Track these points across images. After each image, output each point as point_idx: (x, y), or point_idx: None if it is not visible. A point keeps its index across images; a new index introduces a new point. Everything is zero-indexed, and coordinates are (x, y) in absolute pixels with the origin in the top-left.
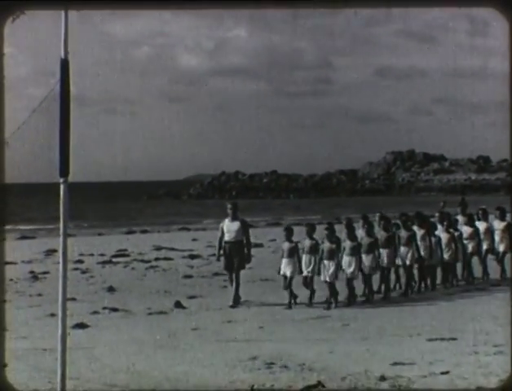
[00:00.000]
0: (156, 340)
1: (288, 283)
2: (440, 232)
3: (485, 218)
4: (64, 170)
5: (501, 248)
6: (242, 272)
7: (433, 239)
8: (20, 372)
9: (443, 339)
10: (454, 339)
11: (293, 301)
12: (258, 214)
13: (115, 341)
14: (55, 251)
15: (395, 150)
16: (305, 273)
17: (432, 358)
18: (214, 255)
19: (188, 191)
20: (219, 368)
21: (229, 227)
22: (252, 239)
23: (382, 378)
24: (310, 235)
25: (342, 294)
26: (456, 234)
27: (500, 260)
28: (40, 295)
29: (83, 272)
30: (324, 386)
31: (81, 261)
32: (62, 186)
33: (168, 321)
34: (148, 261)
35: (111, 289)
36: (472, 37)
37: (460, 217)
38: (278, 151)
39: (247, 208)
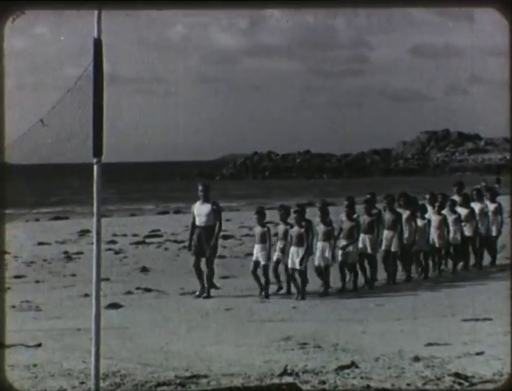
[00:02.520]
0: (190, 320)
1: (264, 271)
2: (431, 214)
3: (480, 199)
4: (98, 150)
5: (493, 231)
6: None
7: (420, 222)
8: (55, 352)
9: (477, 319)
10: (489, 319)
11: (262, 291)
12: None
13: (148, 321)
14: (88, 231)
15: (430, 129)
16: (275, 259)
17: (467, 339)
18: (247, 235)
19: (221, 172)
20: (253, 348)
21: (200, 211)
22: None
23: (416, 358)
24: (284, 219)
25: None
26: (453, 216)
27: (491, 243)
28: (74, 275)
29: (116, 253)
30: (357, 367)
31: (114, 242)
32: (95, 167)
33: (201, 301)
34: (181, 242)
35: (144, 270)
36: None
37: (456, 198)
38: (312, 131)
39: (281, 187)
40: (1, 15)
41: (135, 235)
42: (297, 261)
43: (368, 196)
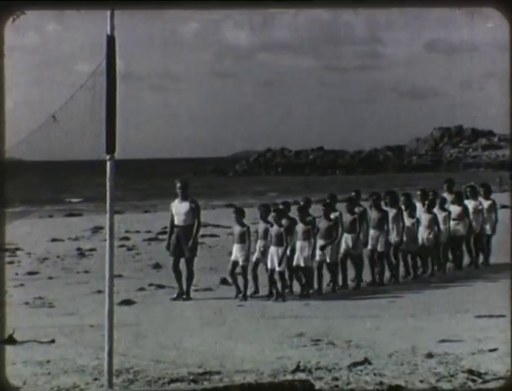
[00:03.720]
0: (202, 317)
1: (242, 271)
2: (420, 213)
3: (474, 197)
4: (111, 147)
5: (487, 229)
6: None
7: (407, 221)
8: (68, 348)
9: (491, 316)
10: (503, 316)
11: (240, 293)
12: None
13: (161, 318)
14: (101, 228)
15: (443, 125)
16: (254, 259)
17: (481, 335)
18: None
19: (234, 168)
20: (266, 345)
21: (178, 209)
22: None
23: (429, 355)
24: (264, 217)
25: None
26: (443, 214)
27: (485, 243)
28: (87, 272)
29: (129, 249)
30: (370, 363)
31: (127, 238)
32: (108, 163)
33: (214, 298)
34: None
35: (157, 266)
36: None
37: (447, 195)
38: (325, 127)
39: (294, 184)
40: (1, 15)
41: (148, 232)
42: (276, 261)
43: (353, 194)
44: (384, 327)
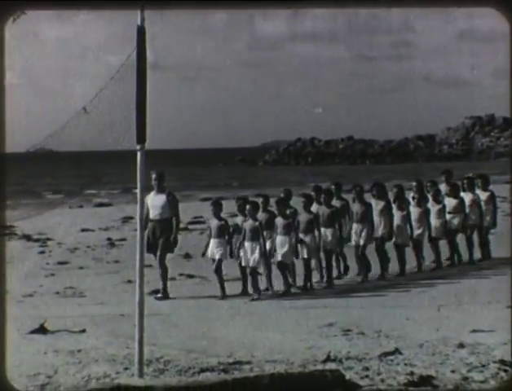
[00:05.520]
0: (232, 307)
1: (216, 267)
2: (411, 206)
3: (471, 189)
4: (141, 137)
5: (486, 222)
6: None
7: (397, 214)
8: (98, 338)
9: None
10: None
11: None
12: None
13: (191, 307)
14: (131, 218)
15: (474, 114)
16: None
17: None
18: None
19: (264, 158)
20: (296, 334)
21: (154, 202)
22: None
23: (461, 345)
24: (241, 211)
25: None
26: (438, 207)
27: (483, 236)
28: (117, 262)
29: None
30: (401, 353)
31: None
32: (139, 154)
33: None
34: None
35: (187, 256)
36: None
37: (443, 187)
38: (355, 117)
39: (322, 173)
40: (1, 15)
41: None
42: (251, 258)
43: (333, 187)
44: (414, 317)
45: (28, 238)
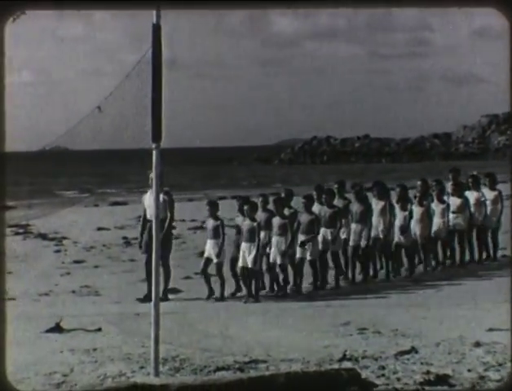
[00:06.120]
0: (248, 305)
1: (217, 269)
2: (413, 206)
3: (476, 187)
4: (157, 136)
5: (493, 222)
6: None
7: (399, 214)
8: (114, 336)
9: None
10: None
11: (212, 294)
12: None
13: (207, 306)
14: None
15: (491, 112)
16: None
17: None
18: None
19: (279, 156)
20: (312, 333)
21: (151, 202)
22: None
23: (477, 344)
24: (241, 210)
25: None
26: (441, 206)
27: (491, 237)
28: (132, 260)
29: (175, 238)
30: (417, 352)
31: (172, 227)
32: (154, 152)
33: None
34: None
35: (202, 254)
36: None
37: (450, 186)
38: (371, 115)
39: (341, 172)
40: (1, 15)
41: (193, 220)
42: (249, 258)
43: (336, 186)
44: (431, 315)
45: (43, 237)
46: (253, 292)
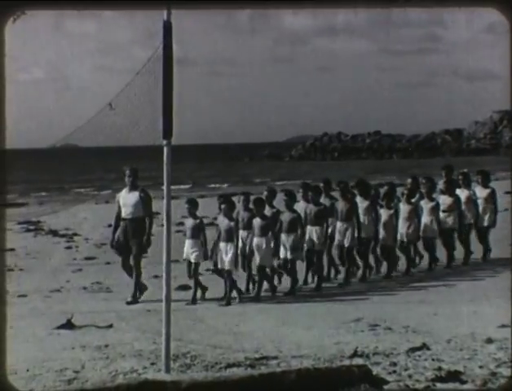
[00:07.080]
0: (259, 301)
1: (193, 270)
2: (400, 204)
3: (467, 185)
4: (167, 132)
5: (485, 221)
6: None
7: (384, 213)
8: (125, 333)
9: None
10: None
11: (199, 296)
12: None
13: (218, 303)
14: (157, 213)
15: (502, 108)
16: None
17: None
18: None
19: (290, 153)
20: (323, 330)
21: (126, 200)
22: None
23: (489, 340)
24: (226, 212)
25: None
26: (430, 205)
27: (483, 236)
28: (143, 257)
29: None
30: (429, 349)
31: (183, 224)
32: (165, 149)
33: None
34: None
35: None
36: None
37: (441, 184)
38: (382, 111)
39: (355, 167)
40: (1, 15)
41: (205, 217)
42: (226, 259)
43: (322, 184)
44: (442, 312)
45: (54, 233)
46: (228, 292)
